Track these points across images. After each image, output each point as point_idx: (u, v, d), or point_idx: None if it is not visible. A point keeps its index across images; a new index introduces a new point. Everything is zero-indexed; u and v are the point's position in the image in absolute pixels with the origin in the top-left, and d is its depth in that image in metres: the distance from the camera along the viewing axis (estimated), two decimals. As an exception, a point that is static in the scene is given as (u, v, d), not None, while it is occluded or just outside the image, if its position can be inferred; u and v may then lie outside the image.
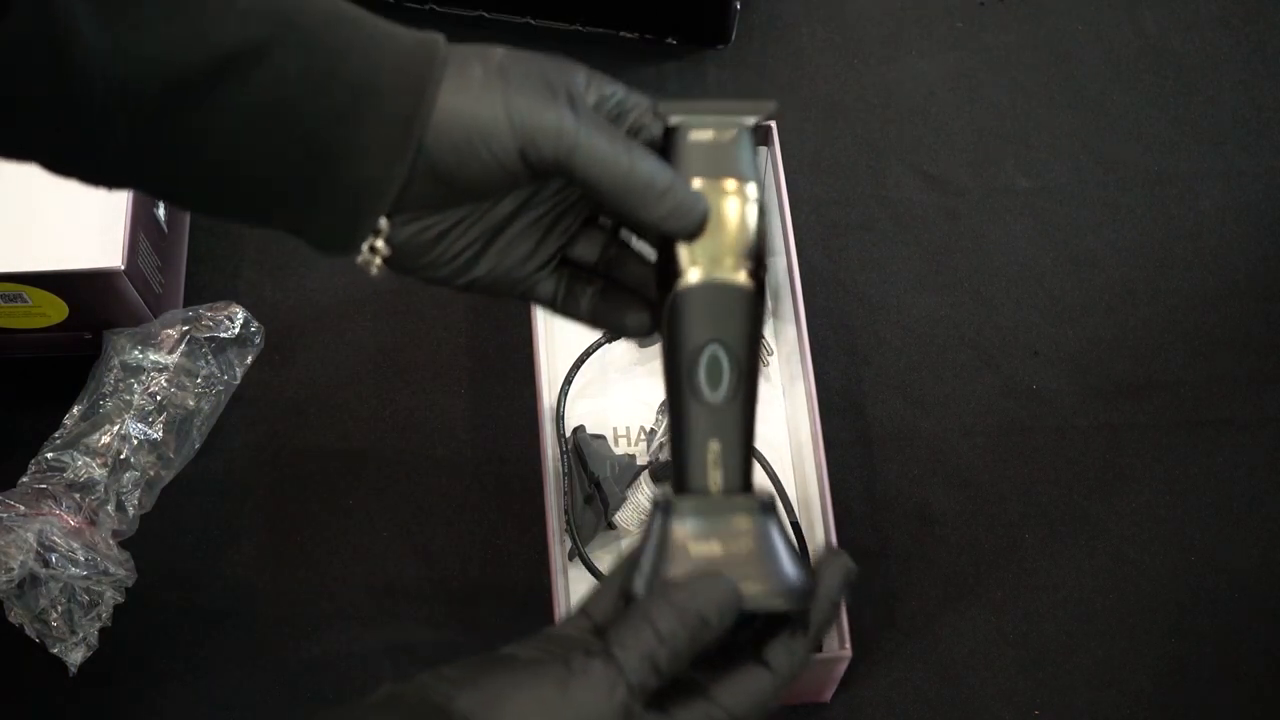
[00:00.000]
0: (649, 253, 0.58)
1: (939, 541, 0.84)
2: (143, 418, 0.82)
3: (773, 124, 0.85)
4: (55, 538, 0.77)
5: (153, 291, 0.85)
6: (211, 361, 0.85)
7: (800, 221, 0.91)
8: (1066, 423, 0.88)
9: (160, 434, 0.83)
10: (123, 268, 0.80)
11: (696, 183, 0.53)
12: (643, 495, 0.80)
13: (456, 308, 0.90)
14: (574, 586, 0.82)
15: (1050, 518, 0.85)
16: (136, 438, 0.82)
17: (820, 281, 0.91)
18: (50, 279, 0.81)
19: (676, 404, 0.54)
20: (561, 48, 0.98)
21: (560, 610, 0.76)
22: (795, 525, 0.80)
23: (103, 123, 0.48)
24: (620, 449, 0.85)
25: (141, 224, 0.84)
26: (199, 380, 0.84)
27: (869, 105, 0.98)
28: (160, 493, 0.83)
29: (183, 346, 0.84)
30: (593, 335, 0.83)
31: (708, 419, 0.53)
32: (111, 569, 0.78)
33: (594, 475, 0.81)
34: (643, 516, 0.81)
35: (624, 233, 0.59)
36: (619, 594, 0.53)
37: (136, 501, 0.82)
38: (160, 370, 0.83)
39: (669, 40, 0.99)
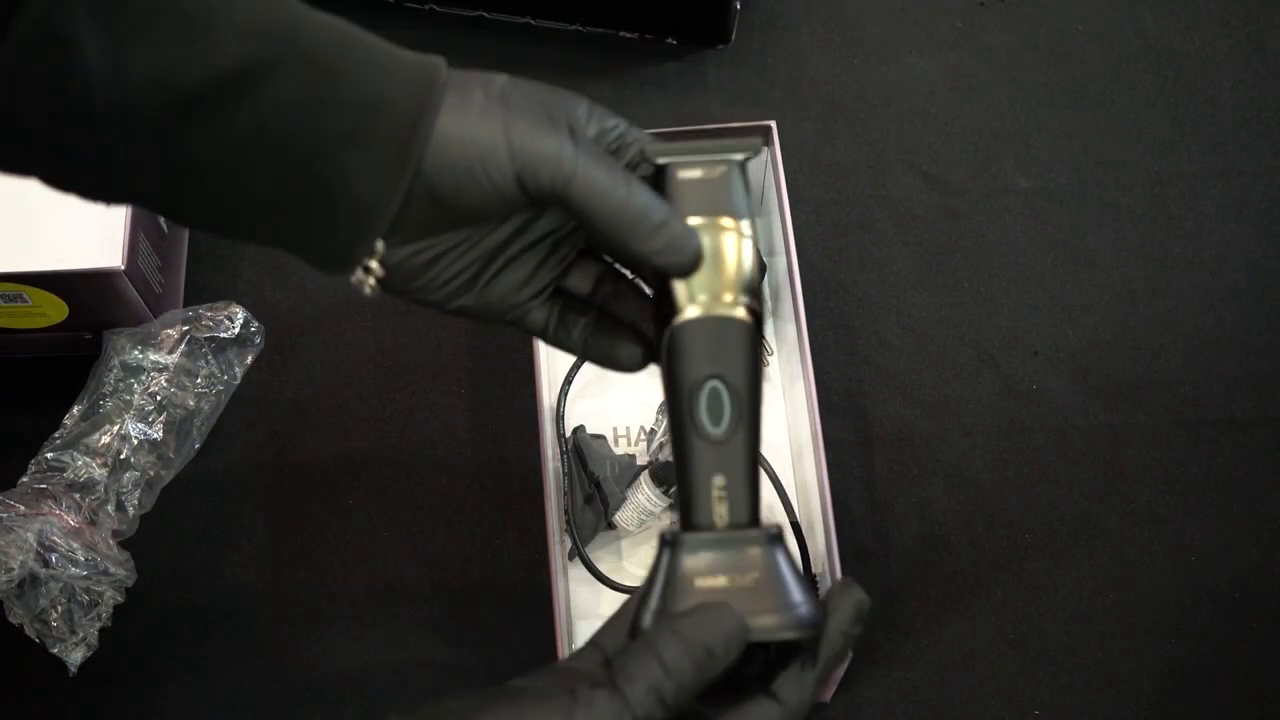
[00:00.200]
0: (644, 284, 0.58)
1: (939, 541, 0.84)
2: (143, 418, 0.82)
3: (773, 124, 0.85)
4: (55, 538, 0.77)
5: (153, 291, 0.85)
6: (211, 361, 0.85)
7: (800, 221, 0.91)
8: (1067, 423, 0.88)
9: (160, 434, 0.83)
10: (123, 268, 0.80)
11: (690, 220, 0.53)
12: (643, 495, 0.80)
13: (456, 308, 0.90)
14: (574, 586, 0.82)
15: (1050, 518, 0.85)
16: (136, 438, 0.82)
17: (820, 281, 0.91)
18: (50, 279, 0.81)
19: (679, 439, 0.54)
20: (561, 48, 0.99)
21: (560, 610, 0.76)
22: (795, 525, 0.80)
23: (102, 141, 0.48)
24: (620, 449, 0.85)
25: (141, 224, 0.84)
26: (199, 380, 0.84)
27: (869, 105, 0.98)
28: (160, 493, 0.83)
29: (183, 346, 0.84)
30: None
31: (711, 454, 0.53)
32: (111, 569, 0.78)
33: (594, 475, 0.81)
34: (643, 517, 0.81)
35: (619, 265, 0.59)
36: (630, 628, 0.52)
37: (136, 501, 0.82)
38: (160, 370, 0.83)
39: (669, 40, 0.99)
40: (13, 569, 0.76)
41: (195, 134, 0.49)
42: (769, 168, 0.86)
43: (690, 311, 0.53)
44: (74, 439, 0.81)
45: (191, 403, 0.84)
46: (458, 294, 0.56)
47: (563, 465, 0.82)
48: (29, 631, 0.78)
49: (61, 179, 0.51)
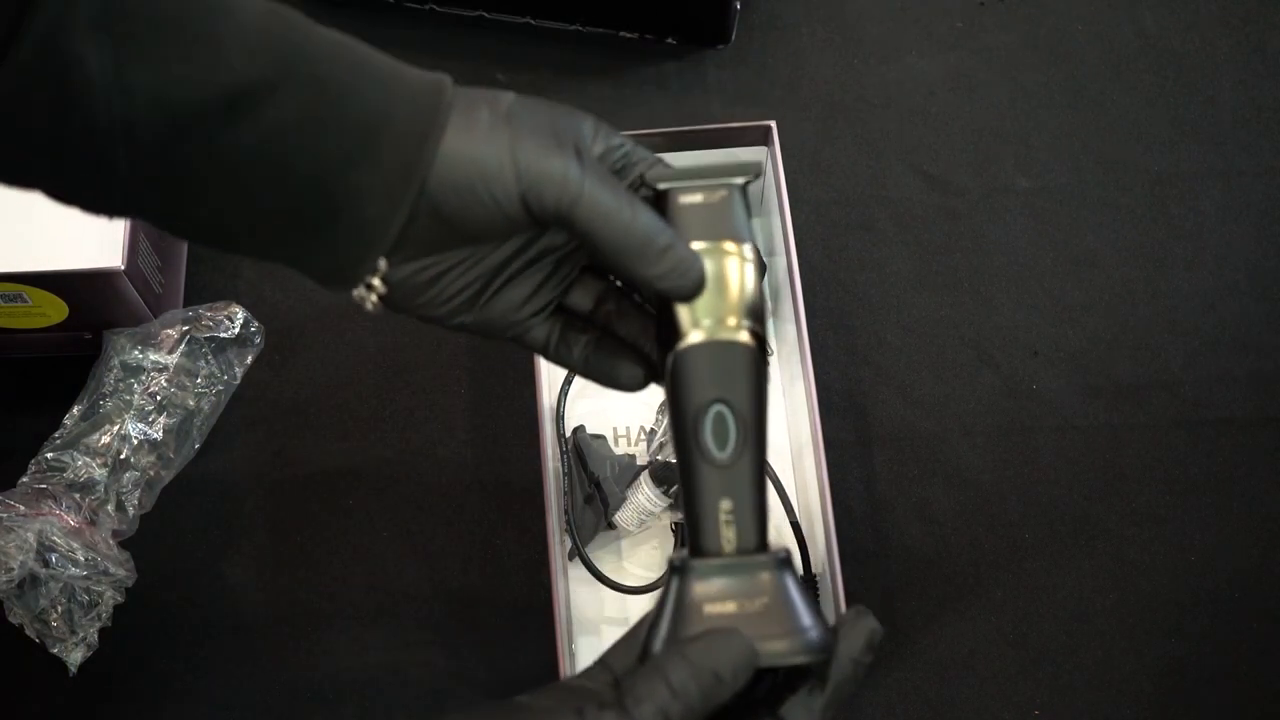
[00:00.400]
0: (646, 303, 0.58)
1: (939, 541, 0.84)
2: (143, 418, 0.82)
3: (773, 124, 0.85)
4: (55, 538, 0.77)
5: (153, 291, 0.85)
6: (211, 361, 0.85)
7: (800, 221, 0.91)
8: (1067, 423, 0.88)
9: (160, 434, 0.83)
10: (123, 268, 0.80)
11: (693, 245, 0.53)
12: (643, 495, 0.80)
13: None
14: (574, 586, 0.82)
15: (1050, 518, 0.85)
16: (136, 438, 0.82)
17: (820, 281, 0.91)
18: (50, 279, 0.81)
19: (685, 464, 0.54)
20: (561, 48, 0.99)
21: (560, 610, 0.76)
22: (795, 525, 0.80)
23: (105, 156, 0.48)
24: (620, 449, 0.85)
25: (141, 224, 0.83)
26: (199, 380, 0.84)
27: (869, 105, 0.98)
28: (160, 493, 0.83)
29: (183, 346, 0.84)
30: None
31: (716, 478, 0.53)
32: (111, 569, 0.78)
33: (594, 475, 0.81)
34: (643, 517, 0.81)
35: (620, 282, 0.59)
36: (639, 651, 0.52)
37: (136, 501, 0.82)
38: (160, 370, 0.83)
39: (669, 40, 0.99)
40: (13, 569, 0.76)
41: (198, 151, 0.49)
42: (769, 168, 0.86)
43: (694, 336, 0.53)
44: (74, 439, 0.81)
45: (191, 403, 0.84)
46: (459, 311, 0.56)
47: (563, 465, 0.82)
48: (29, 631, 0.78)
49: (64, 193, 0.51)
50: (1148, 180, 0.95)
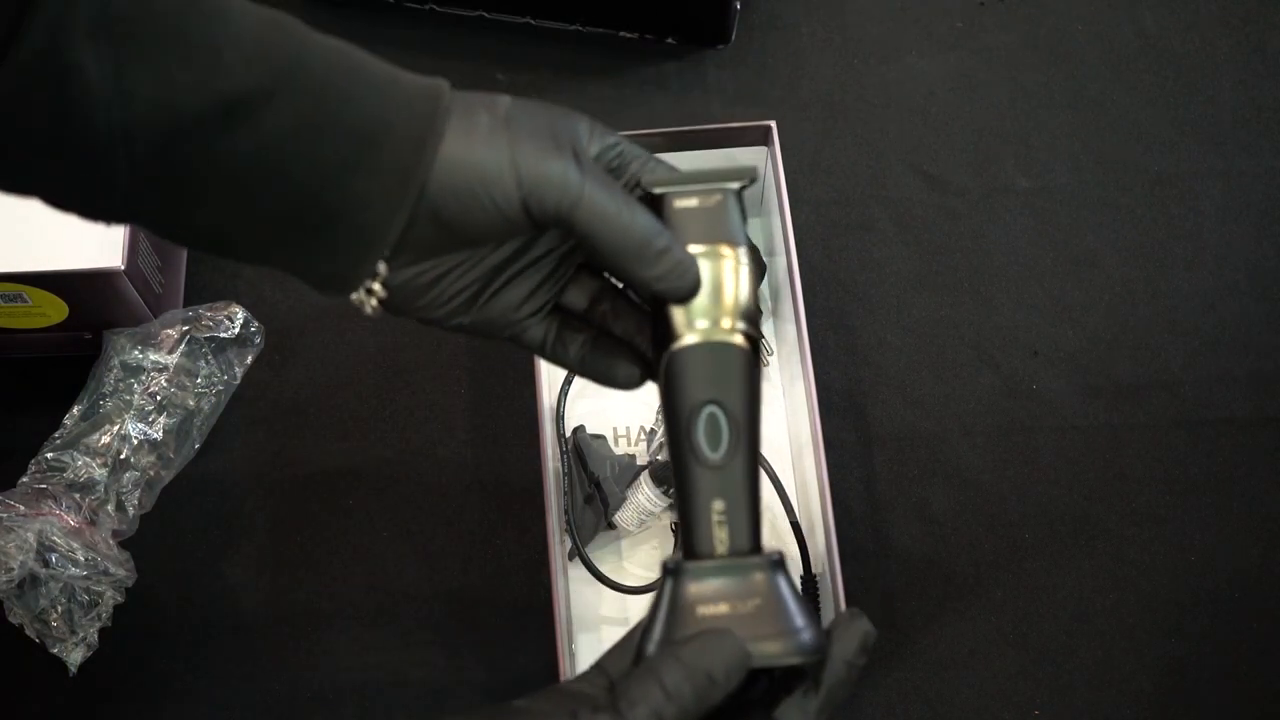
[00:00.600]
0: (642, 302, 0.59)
1: (939, 541, 0.84)
2: (143, 418, 0.82)
3: (773, 124, 0.85)
4: (55, 538, 0.77)
5: (153, 291, 0.85)
6: (211, 361, 0.85)
7: (800, 221, 0.91)
8: (1066, 423, 0.88)
9: (160, 434, 0.83)
10: (123, 268, 0.80)
11: (689, 248, 0.54)
12: (643, 495, 0.81)
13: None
14: (574, 586, 0.82)
15: (1050, 518, 0.85)
16: (136, 438, 0.82)
17: (820, 281, 0.91)
18: (50, 279, 0.81)
19: (678, 464, 0.54)
20: (561, 48, 0.99)
21: (560, 610, 0.76)
22: (795, 525, 0.80)
23: (103, 163, 0.48)
24: (620, 449, 0.85)
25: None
26: (199, 380, 0.84)
27: (869, 105, 0.98)
28: (160, 493, 0.83)
29: (183, 346, 0.84)
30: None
31: (709, 479, 0.53)
32: (111, 569, 0.78)
33: (594, 475, 0.81)
34: (643, 517, 0.81)
35: (616, 281, 0.59)
36: (634, 655, 0.52)
37: (136, 501, 0.82)
38: (160, 370, 0.83)
39: (669, 40, 0.99)
40: (13, 569, 0.76)
41: (196, 157, 0.49)
42: (769, 168, 0.86)
43: (689, 338, 0.54)
44: (74, 439, 0.81)
45: (191, 403, 0.84)
46: (458, 312, 0.56)
47: (563, 465, 0.82)
48: (29, 631, 0.78)
49: (61, 199, 0.51)
50: (1148, 180, 0.95)
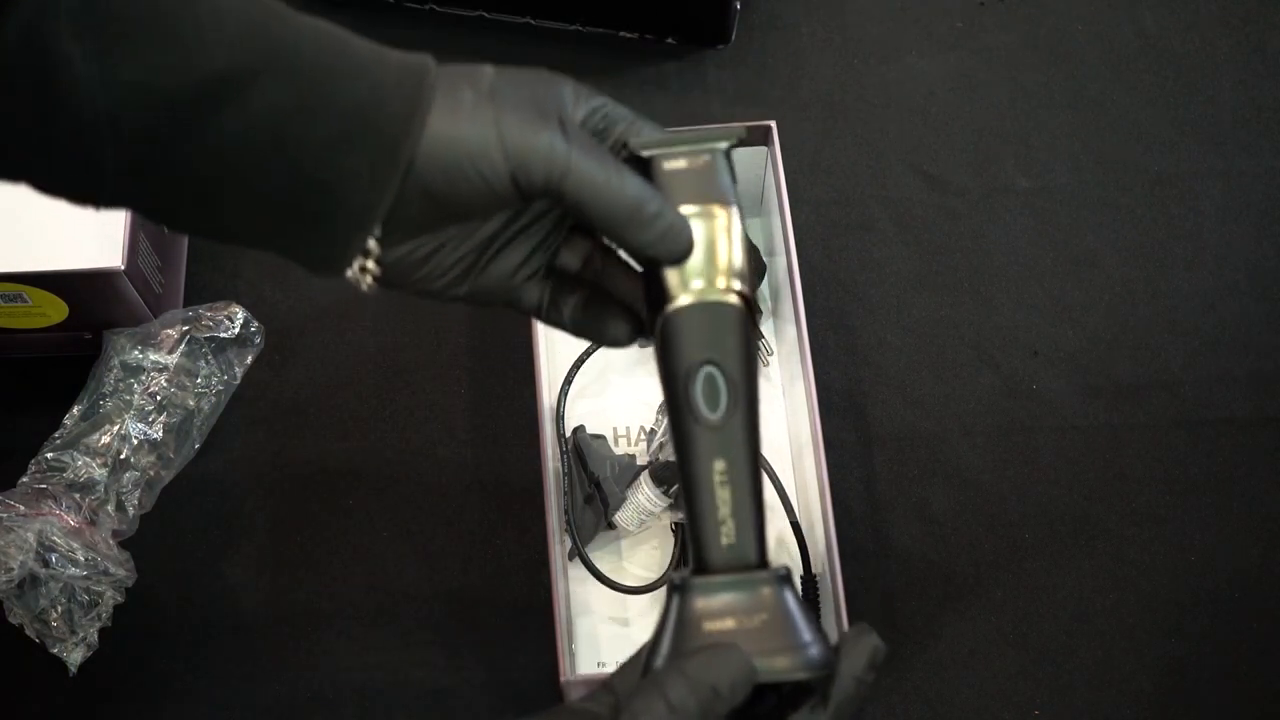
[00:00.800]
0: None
1: (939, 541, 0.84)
2: (143, 418, 0.82)
3: (773, 124, 0.85)
4: (55, 538, 0.77)
5: (153, 291, 0.85)
6: (211, 361, 0.85)
7: (800, 221, 0.91)
8: (1066, 423, 0.88)
9: (160, 434, 0.83)
10: (123, 268, 0.80)
11: (681, 209, 0.53)
12: (643, 495, 0.80)
13: (457, 308, 0.90)
14: (574, 586, 0.82)
15: (1050, 518, 0.85)
16: (136, 438, 0.82)
17: (820, 281, 0.91)
18: (50, 279, 0.81)
19: (678, 427, 0.54)
20: (561, 48, 0.99)
21: (560, 610, 0.76)
22: (795, 525, 0.80)
23: (90, 148, 0.48)
24: (620, 449, 0.85)
25: (141, 224, 0.84)
26: (199, 380, 0.84)
27: (869, 105, 0.98)
28: (160, 493, 0.83)
29: (183, 346, 0.84)
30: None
31: (709, 439, 0.53)
32: (111, 569, 0.78)
33: (594, 475, 0.81)
34: (643, 517, 0.81)
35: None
36: (642, 672, 0.52)
37: (136, 501, 0.82)
38: (160, 370, 0.83)
39: (669, 40, 0.99)
40: (13, 569, 0.76)
41: (183, 140, 0.49)
42: (769, 168, 0.86)
43: (683, 298, 0.54)
44: (74, 439, 0.81)
45: (191, 403, 0.84)
46: (455, 284, 0.56)
47: (563, 465, 0.82)
48: (29, 631, 0.78)
49: (50, 185, 0.51)
50: (1148, 180, 0.95)
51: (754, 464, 0.54)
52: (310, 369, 0.89)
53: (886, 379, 0.89)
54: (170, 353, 0.84)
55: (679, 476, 0.55)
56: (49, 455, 0.81)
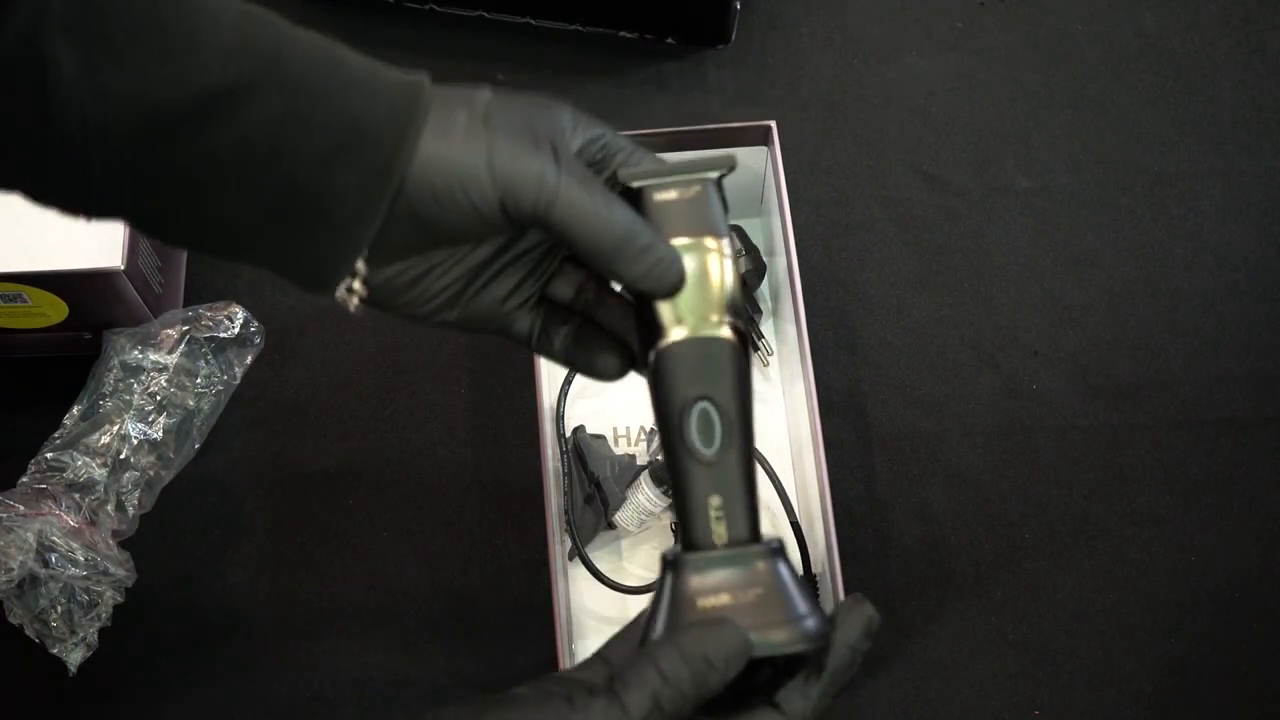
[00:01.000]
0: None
1: (939, 541, 0.84)
2: (143, 418, 0.82)
3: (773, 124, 0.85)
4: (55, 538, 0.77)
5: (153, 291, 0.85)
6: (211, 361, 0.85)
7: (800, 221, 0.91)
8: (1067, 423, 0.88)
9: (160, 434, 0.83)
10: (123, 268, 0.80)
11: (672, 242, 0.53)
12: (643, 495, 0.81)
13: (456, 308, 0.90)
14: (574, 586, 0.82)
15: (1050, 518, 0.85)
16: (136, 438, 0.82)
17: (820, 281, 0.91)
18: (50, 279, 0.81)
19: (673, 462, 0.54)
20: (561, 48, 0.99)
21: (560, 610, 0.76)
22: (795, 525, 0.80)
23: (81, 158, 0.48)
24: (620, 449, 0.85)
25: (141, 224, 0.83)
26: (199, 380, 0.84)
27: (869, 105, 0.98)
28: (160, 493, 0.83)
29: (183, 346, 0.84)
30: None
31: (704, 474, 0.53)
32: (111, 569, 0.78)
33: (594, 475, 0.81)
34: (643, 517, 0.81)
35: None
36: (636, 646, 0.52)
37: (136, 501, 0.82)
38: (160, 370, 0.83)
39: (669, 40, 0.99)
40: (13, 569, 0.76)
41: (174, 153, 0.49)
42: (769, 168, 0.86)
43: (676, 334, 0.53)
44: (74, 439, 0.81)
45: (191, 403, 0.84)
46: (443, 309, 0.56)
47: (563, 465, 0.82)
48: (29, 631, 0.78)
49: (40, 194, 0.51)
50: (1148, 180, 0.95)
51: (751, 499, 0.54)
52: (310, 369, 0.89)
53: (886, 379, 0.89)
54: (170, 353, 0.84)
55: (674, 506, 0.55)
56: (49, 455, 0.81)
